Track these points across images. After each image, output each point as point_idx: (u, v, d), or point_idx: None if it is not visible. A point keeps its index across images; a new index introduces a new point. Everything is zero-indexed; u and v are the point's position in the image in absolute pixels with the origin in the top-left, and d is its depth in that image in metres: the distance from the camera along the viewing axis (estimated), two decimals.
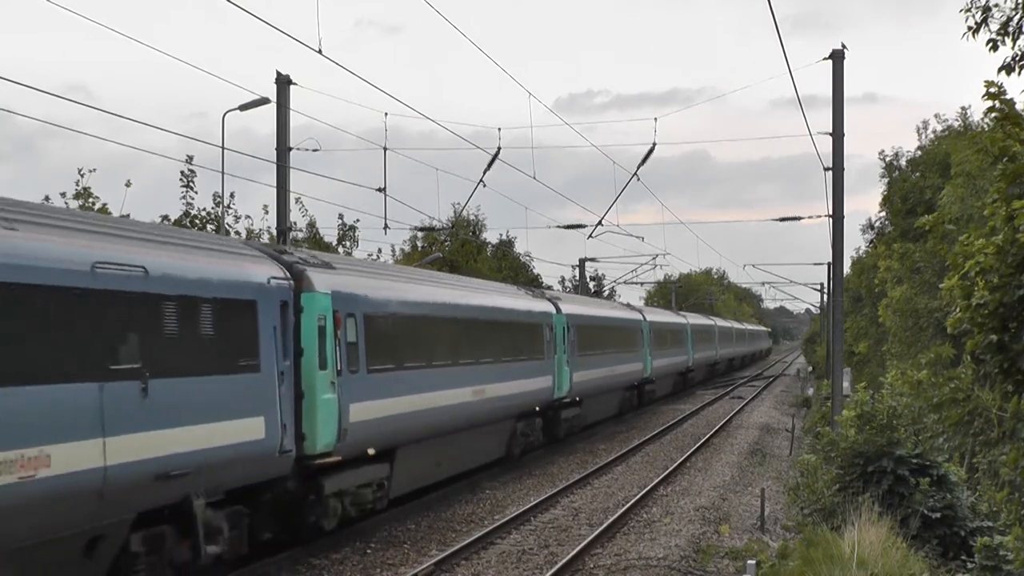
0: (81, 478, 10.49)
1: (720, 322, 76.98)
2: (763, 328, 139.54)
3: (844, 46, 27.54)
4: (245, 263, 14.17)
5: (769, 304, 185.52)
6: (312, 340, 15.08)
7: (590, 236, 41.18)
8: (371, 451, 16.89)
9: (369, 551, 16.46)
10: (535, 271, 63.02)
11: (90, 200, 28.53)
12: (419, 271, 25.49)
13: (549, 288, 55.10)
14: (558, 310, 29.28)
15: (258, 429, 13.65)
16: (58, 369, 10.31)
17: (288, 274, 14.89)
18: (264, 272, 14.35)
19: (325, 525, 15.76)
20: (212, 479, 12.80)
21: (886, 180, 44.97)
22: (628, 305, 47.23)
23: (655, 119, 38.84)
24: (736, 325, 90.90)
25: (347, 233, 41.97)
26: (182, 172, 31.44)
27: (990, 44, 12.64)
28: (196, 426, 12.35)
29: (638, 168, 32.16)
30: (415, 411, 18.57)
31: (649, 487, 22.56)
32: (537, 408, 27.11)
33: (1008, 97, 10.53)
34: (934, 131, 43.28)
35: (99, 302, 10.92)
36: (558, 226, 43.77)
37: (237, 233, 35.68)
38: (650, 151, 31.26)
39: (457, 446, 21.56)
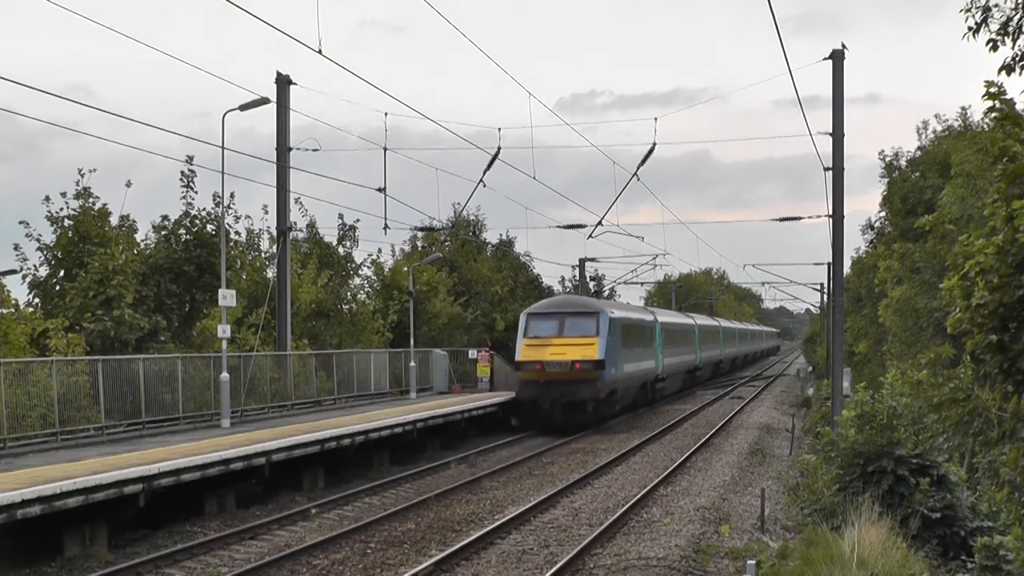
0: (644, 371, 43.92)
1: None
2: (765, 328, 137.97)
3: (844, 46, 27.58)
4: (651, 315, 48.60)
5: (769, 304, 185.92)
6: (658, 337, 47.30)
7: (590, 236, 41.42)
8: (665, 376, 49.03)
9: (369, 551, 16.46)
10: (535, 271, 63.13)
11: (90, 200, 28.56)
12: (667, 311, 63.63)
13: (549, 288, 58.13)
14: None
15: (653, 363, 45.84)
16: (648, 346, 45.42)
17: (654, 316, 48.64)
18: (652, 316, 48.27)
19: (655, 398, 47.55)
20: (646, 377, 44.46)
21: (886, 180, 45.01)
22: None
23: (655, 119, 38.91)
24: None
25: (347, 233, 42.00)
26: (182, 172, 31.46)
27: (990, 44, 12.62)
28: (646, 361, 43.96)
29: (638, 168, 32.32)
30: (670, 363, 50.04)
31: (649, 487, 22.55)
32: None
33: (1008, 97, 10.51)
34: (934, 131, 43.36)
35: (652, 329, 46.85)
36: (558, 226, 43.93)
37: (237, 233, 35.65)
38: (650, 151, 31.42)
39: (676, 380, 53.96)
